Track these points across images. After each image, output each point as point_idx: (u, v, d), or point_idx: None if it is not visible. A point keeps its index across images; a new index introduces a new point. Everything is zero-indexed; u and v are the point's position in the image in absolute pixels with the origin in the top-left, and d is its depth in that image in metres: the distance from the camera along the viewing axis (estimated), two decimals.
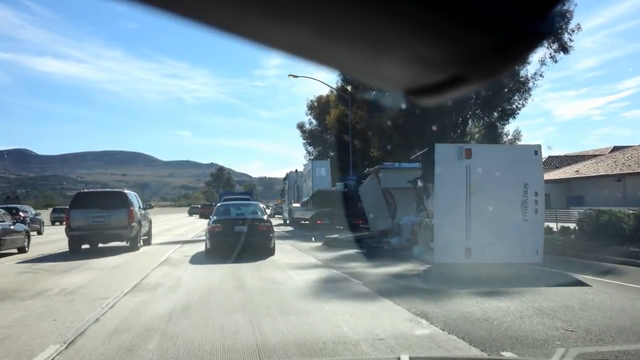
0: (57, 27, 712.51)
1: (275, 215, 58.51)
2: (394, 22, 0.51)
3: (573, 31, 34.15)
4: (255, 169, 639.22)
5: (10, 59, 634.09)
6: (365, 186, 18.22)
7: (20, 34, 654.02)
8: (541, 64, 35.20)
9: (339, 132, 44.47)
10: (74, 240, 15.68)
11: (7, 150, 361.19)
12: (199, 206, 62.25)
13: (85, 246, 16.00)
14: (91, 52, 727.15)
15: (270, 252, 14.23)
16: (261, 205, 17.69)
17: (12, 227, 15.68)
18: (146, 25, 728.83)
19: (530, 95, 36.29)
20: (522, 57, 0.57)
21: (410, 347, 4.96)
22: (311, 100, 52.11)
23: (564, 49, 35.27)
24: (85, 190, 19.82)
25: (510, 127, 37.70)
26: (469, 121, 38.92)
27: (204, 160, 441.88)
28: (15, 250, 15.70)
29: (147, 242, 18.10)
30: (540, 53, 34.35)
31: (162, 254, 15.01)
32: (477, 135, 40.89)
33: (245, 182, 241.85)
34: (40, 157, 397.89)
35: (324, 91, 52.14)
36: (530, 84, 36.17)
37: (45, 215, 38.76)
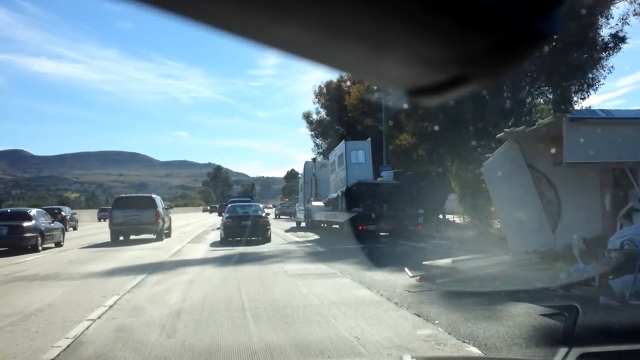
0: (51, 27, 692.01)
1: (281, 217, 51.29)
2: (396, 21, 0.49)
3: None
4: (253, 169, 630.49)
5: (4, 59, 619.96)
6: (494, 163, 9.52)
7: (14, 34, 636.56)
8: (623, 22, 26.43)
9: (361, 114, 36.20)
10: (115, 232, 19.77)
11: (2, 151, 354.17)
12: (217, 206, 72.57)
13: (120, 238, 19.87)
14: (86, 52, 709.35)
15: (268, 239, 18.29)
16: (260, 206, 22.97)
17: (51, 224, 18.20)
18: (141, 24, 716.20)
19: (606, 64, 27.71)
20: (528, 56, 0.54)
21: None
22: (319, 87, 43.43)
23: None
24: (123, 195, 23.91)
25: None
26: (529, 98, 30.32)
27: (201, 160, 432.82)
28: (52, 245, 17.90)
29: (168, 235, 21.66)
30: (622, 8, 25.75)
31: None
32: (538, 115, 31.75)
33: (242, 182, 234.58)
34: (36, 158, 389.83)
35: (334, 76, 43.51)
36: (611, 48, 27.69)
37: (94, 213, 53.02)
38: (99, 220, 47.46)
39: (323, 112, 43.65)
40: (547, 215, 8.78)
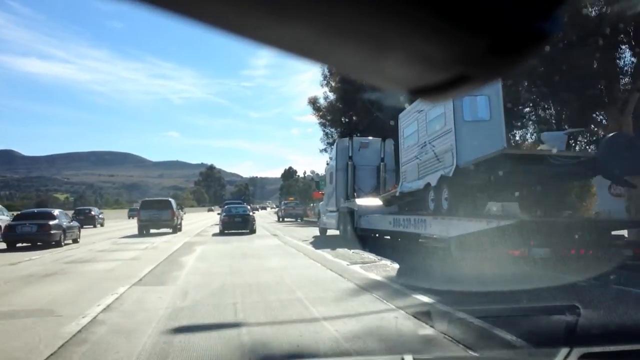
0: (41, 27, 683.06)
1: (286, 219, 46.07)
2: (397, 20, 0.49)
3: None
4: (246, 169, 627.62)
5: None
6: None
7: (3, 34, 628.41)
8: None
9: None
10: (141, 226, 25.38)
11: None
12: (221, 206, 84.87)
13: (144, 232, 25.38)
14: (76, 52, 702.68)
15: (253, 231, 24.91)
16: (248, 207, 30.34)
17: (70, 223, 20.49)
18: (131, 24, 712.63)
19: None
20: (529, 55, 0.55)
21: None
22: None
23: None
24: (147, 199, 30.90)
25: None
26: None
27: (194, 160, 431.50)
28: (70, 241, 19.56)
29: (179, 229, 27.56)
30: None
31: None
32: None
33: (236, 182, 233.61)
34: (27, 158, 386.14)
35: None
36: None
37: (124, 213, 64.91)
38: (129, 217, 55.87)
39: (332, 97, 35.89)
40: None
